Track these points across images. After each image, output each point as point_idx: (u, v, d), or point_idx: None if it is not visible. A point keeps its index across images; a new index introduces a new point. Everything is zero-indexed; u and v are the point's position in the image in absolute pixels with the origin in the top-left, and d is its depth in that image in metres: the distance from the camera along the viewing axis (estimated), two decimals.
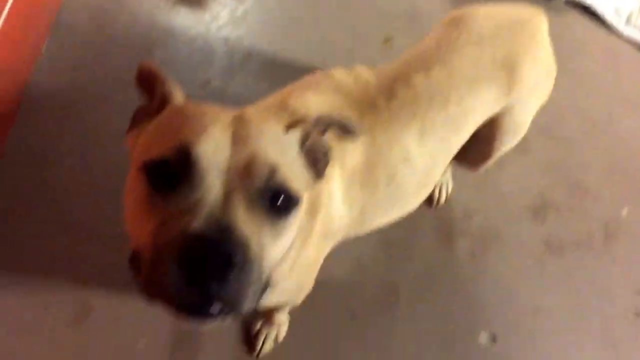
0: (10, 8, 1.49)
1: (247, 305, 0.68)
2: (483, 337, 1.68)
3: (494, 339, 1.68)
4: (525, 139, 1.41)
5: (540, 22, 1.33)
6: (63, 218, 1.59)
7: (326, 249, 1.18)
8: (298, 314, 1.52)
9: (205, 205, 0.67)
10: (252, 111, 0.82)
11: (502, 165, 1.91)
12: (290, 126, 0.83)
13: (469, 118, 1.24)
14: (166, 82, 0.83)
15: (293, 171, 0.77)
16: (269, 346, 1.53)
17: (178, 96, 0.84)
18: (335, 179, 1.08)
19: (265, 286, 0.73)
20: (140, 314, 1.50)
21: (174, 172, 0.69)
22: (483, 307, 1.73)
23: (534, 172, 1.99)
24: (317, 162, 0.87)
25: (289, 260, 0.98)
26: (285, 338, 1.55)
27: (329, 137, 0.97)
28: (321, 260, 1.17)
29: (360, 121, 1.12)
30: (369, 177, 1.14)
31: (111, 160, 1.66)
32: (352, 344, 1.60)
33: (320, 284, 1.18)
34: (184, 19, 2.01)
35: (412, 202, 1.28)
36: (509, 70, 1.23)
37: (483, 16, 1.28)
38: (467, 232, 1.83)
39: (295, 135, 0.83)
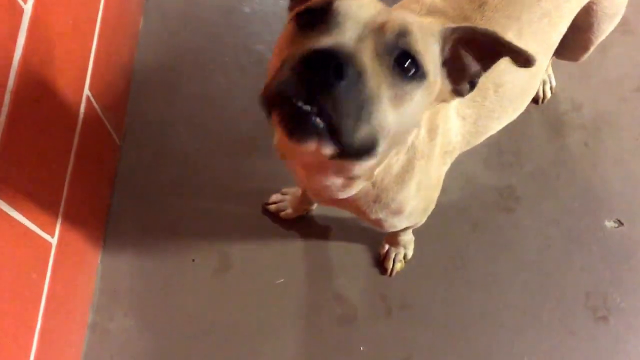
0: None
1: (346, 133, 0.69)
2: (609, 223, 1.76)
3: (620, 223, 1.75)
4: (625, 20, 1.43)
5: None
6: (195, 180, 1.79)
7: (446, 167, 1.25)
8: (423, 233, 1.65)
9: (337, 38, 0.73)
10: None
11: (605, 51, 1.93)
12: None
13: (564, 9, 1.25)
14: None
15: (428, 50, 0.81)
16: (399, 266, 1.67)
17: None
18: None
19: (372, 142, 0.75)
20: (275, 258, 1.70)
21: (318, 17, 0.77)
22: (605, 194, 1.80)
23: (637, 52, 1.99)
24: (459, 79, 0.90)
25: (413, 182, 1.08)
26: (413, 256, 1.69)
27: None
28: (442, 179, 1.26)
29: None
30: (477, 88, 1.17)
31: (225, 117, 1.86)
32: (477, 251, 1.72)
33: (439, 200, 1.28)
34: None
35: (522, 103, 1.32)
36: None
37: None
38: (578, 123, 1.88)
39: (441, 35, 0.86)
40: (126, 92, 1.90)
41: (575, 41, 1.41)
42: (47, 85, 1.32)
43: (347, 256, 1.72)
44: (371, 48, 0.74)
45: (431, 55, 0.83)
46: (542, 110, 1.90)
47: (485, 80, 1.17)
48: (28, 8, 1.22)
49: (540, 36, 1.24)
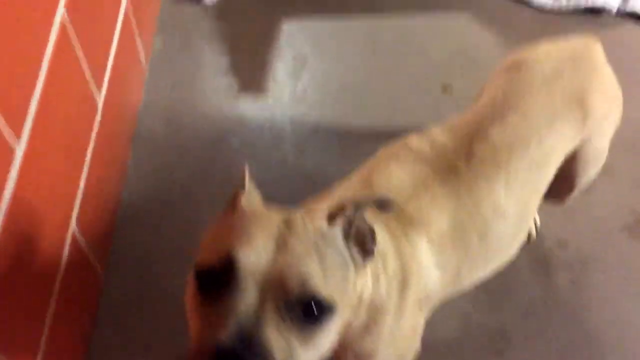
0: (98, 131, 1.73)
1: None
2: None
3: None
4: (607, 161, 1.50)
5: (597, 50, 1.41)
6: (180, 322, 1.76)
7: (423, 316, 1.23)
8: None
9: (238, 314, 0.75)
10: (300, 213, 0.90)
11: (588, 190, 1.97)
12: (332, 217, 0.90)
13: (551, 158, 1.31)
14: (241, 190, 0.93)
15: (331, 274, 0.82)
16: None
17: (247, 199, 0.93)
18: (422, 247, 1.15)
19: None
20: None
21: (218, 277, 0.79)
22: (596, 335, 1.78)
23: (622, 191, 2.06)
24: (364, 242, 0.92)
25: (380, 334, 1.08)
26: None
27: (405, 212, 1.12)
28: (420, 328, 1.23)
29: (443, 188, 1.19)
30: (460, 237, 1.19)
31: None
32: None
33: (426, 343, 1.27)
34: (250, 107, 2.23)
35: (510, 250, 1.34)
36: (579, 104, 1.31)
37: (542, 56, 1.38)
38: (565, 262, 1.91)
39: (338, 227, 0.89)
40: (112, 223, 1.92)
41: (561, 185, 1.44)
42: (35, 223, 1.34)
43: None
44: (275, 309, 0.77)
45: (336, 269, 0.85)
46: (526, 247, 1.92)
47: (470, 231, 1.20)
48: (21, 148, 1.25)
49: (529, 185, 1.28)
